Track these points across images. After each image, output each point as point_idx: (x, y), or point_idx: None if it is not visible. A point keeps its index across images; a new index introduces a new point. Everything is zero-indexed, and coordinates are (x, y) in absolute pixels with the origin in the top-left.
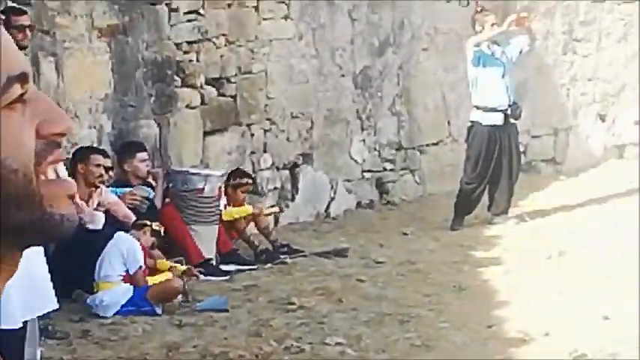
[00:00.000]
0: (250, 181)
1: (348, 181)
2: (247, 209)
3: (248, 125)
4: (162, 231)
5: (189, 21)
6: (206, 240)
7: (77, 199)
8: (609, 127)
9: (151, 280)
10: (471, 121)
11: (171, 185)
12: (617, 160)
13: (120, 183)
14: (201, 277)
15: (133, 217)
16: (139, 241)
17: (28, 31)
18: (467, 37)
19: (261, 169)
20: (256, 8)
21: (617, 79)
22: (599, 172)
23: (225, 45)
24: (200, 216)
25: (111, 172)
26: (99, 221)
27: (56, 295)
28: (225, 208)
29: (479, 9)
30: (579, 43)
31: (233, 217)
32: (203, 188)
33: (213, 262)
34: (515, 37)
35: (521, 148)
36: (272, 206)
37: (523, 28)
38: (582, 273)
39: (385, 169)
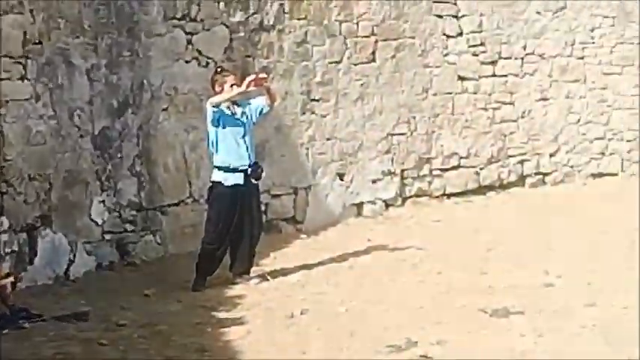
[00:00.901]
0: None
1: (88, 242)
2: None
3: None
4: None
5: None
6: None
7: None
8: (348, 185)
9: None
10: (212, 182)
11: None
12: (355, 219)
13: None
14: None
15: None
16: None
17: None
18: (206, 98)
19: None
20: None
21: (354, 138)
22: (339, 230)
23: None
24: None
25: None
26: None
27: None
28: None
29: (218, 69)
30: (317, 103)
31: None
32: None
33: None
34: (255, 97)
35: (262, 208)
36: (7, 275)
37: (262, 88)
38: (324, 331)
39: (126, 230)
